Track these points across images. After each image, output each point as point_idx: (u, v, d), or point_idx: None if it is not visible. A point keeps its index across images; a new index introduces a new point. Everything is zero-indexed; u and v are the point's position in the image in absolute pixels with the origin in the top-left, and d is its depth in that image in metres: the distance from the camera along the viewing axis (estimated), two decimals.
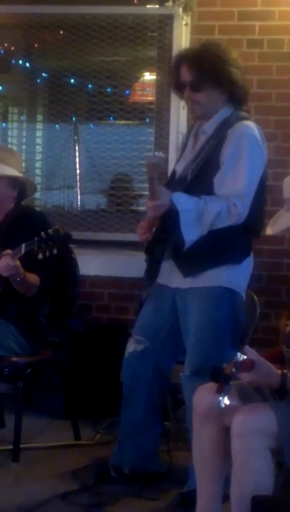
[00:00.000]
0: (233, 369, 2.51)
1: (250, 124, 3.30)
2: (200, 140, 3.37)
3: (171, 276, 3.37)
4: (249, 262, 3.39)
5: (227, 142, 3.23)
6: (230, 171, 3.20)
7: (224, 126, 3.29)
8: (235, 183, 3.19)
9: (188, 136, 3.52)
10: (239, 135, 3.24)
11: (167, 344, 3.46)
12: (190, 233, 3.15)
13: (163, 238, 3.30)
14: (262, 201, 3.34)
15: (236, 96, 3.34)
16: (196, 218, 3.14)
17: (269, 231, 2.96)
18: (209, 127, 3.33)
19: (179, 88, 3.36)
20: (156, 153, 3.21)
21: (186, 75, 3.29)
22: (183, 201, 3.14)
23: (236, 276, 3.32)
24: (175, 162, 3.57)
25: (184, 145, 3.51)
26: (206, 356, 3.22)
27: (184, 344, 3.38)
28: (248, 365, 2.55)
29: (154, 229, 3.36)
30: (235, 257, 3.31)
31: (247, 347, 2.58)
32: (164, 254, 3.36)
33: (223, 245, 3.21)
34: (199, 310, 3.29)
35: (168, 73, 3.39)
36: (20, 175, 3.98)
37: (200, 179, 3.22)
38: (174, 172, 3.50)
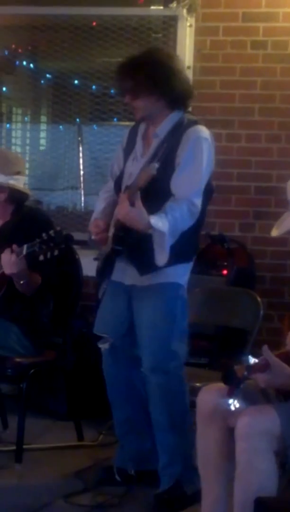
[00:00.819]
0: (245, 373, 2.50)
1: (203, 129, 3.39)
2: (152, 143, 3.42)
3: (125, 273, 3.42)
4: (191, 263, 3.50)
5: (182, 145, 3.30)
6: (186, 172, 3.28)
7: (177, 130, 3.36)
8: (192, 183, 3.29)
9: (133, 137, 3.53)
10: (194, 138, 3.32)
11: (129, 337, 3.49)
12: (164, 256, 3.22)
13: (121, 240, 3.31)
14: (207, 203, 3.43)
15: (176, 101, 3.39)
16: (169, 239, 3.20)
17: (275, 232, 2.96)
18: (161, 130, 3.39)
19: (123, 95, 3.45)
20: (155, 164, 3.21)
21: (125, 83, 3.38)
22: (160, 225, 3.17)
23: (186, 272, 3.45)
24: (121, 156, 3.57)
25: (130, 145, 3.52)
26: (164, 350, 3.33)
27: (139, 339, 3.42)
28: (260, 368, 2.54)
29: (112, 230, 3.37)
30: (188, 255, 3.43)
31: (265, 347, 2.57)
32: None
33: (179, 245, 3.27)
34: (154, 305, 3.36)
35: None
36: (9, 181, 3.90)
37: (157, 182, 3.25)
38: (122, 173, 3.51)
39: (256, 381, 2.60)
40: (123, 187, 3.45)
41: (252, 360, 2.53)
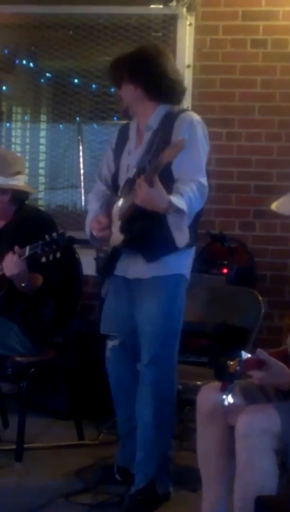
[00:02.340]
0: (237, 368, 2.50)
1: (194, 114, 3.45)
2: (145, 135, 3.44)
3: (128, 268, 3.42)
4: (193, 250, 3.49)
5: (177, 129, 3.33)
6: (187, 154, 3.26)
7: (168, 118, 3.39)
8: (195, 164, 3.31)
9: (123, 136, 3.56)
10: (188, 121, 3.36)
11: (135, 335, 3.48)
12: (185, 236, 3.25)
13: (129, 230, 3.32)
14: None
15: (155, 90, 3.40)
16: (188, 220, 3.22)
17: (275, 206, 2.94)
18: (153, 121, 3.42)
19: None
20: (184, 137, 3.22)
21: (109, 73, 3.51)
22: (181, 203, 3.16)
23: (189, 261, 3.45)
24: (111, 158, 3.58)
25: (121, 143, 3.54)
26: (164, 344, 3.36)
27: (139, 334, 3.42)
28: (253, 364, 2.54)
29: (117, 223, 3.36)
30: (189, 241, 3.39)
31: (259, 350, 2.57)
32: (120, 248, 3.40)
33: None
34: (154, 301, 3.36)
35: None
36: (10, 182, 3.90)
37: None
38: (117, 169, 3.52)
39: (253, 378, 2.60)
40: (121, 182, 3.45)
41: (246, 355, 2.53)
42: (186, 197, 3.19)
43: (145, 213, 3.20)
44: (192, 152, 3.30)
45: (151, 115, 3.42)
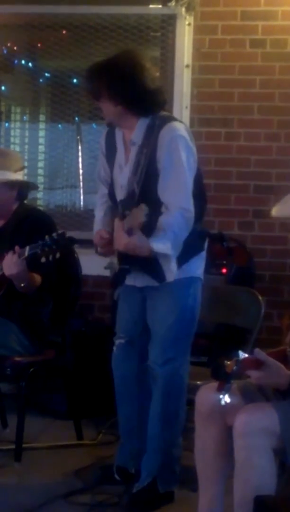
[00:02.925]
0: (234, 367, 2.50)
1: (177, 125, 3.35)
2: (132, 151, 3.39)
3: (136, 278, 3.43)
4: (205, 249, 3.50)
5: (160, 148, 3.28)
6: (170, 179, 3.26)
7: (152, 132, 3.31)
8: (178, 190, 3.26)
9: (111, 141, 3.51)
10: (169, 139, 3.27)
11: (146, 335, 3.49)
12: (172, 272, 3.27)
13: (126, 259, 3.31)
14: (201, 196, 3.41)
15: (136, 106, 3.32)
16: (174, 255, 3.23)
17: (275, 212, 2.95)
18: (136, 136, 3.36)
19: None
20: (143, 206, 3.17)
21: (87, 82, 3.40)
22: (163, 247, 3.18)
23: (200, 263, 3.47)
24: (106, 167, 3.55)
25: (110, 150, 3.51)
26: (177, 345, 3.38)
27: (151, 335, 3.44)
28: (251, 364, 2.54)
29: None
30: (198, 247, 3.43)
31: (257, 350, 2.57)
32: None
33: (186, 244, 3.28)
34: (166, 303, 3.37)
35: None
36: (12, 178, 3.91)
37: (145, 190, 3.27)
38: (112, 180, 3.50)
39: (250, 378, 2.60)
40: (118, 197, 3.42)
41: (243, 355, 2.53)
42: (170, 234, 3.19)
43: None
44: (174, 175, 3.26)
45: (135, 129, 3.36)
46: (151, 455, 3.43)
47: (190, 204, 3.27)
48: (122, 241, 3.17)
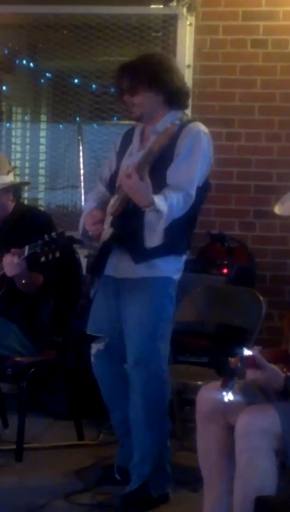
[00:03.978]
0: (239, 364, 2.51)
1: (202, 125, 3.44)
2: (151, 139, 3.42)
3: (117, 267, 3.41)
4: (184, 257, 3.49)
5: (182, 138, 3.33)
6: (184, 163, 3.31)
7: (177, 125, 3.37)
8: (188, 174, 3.31)
9: (127, 140, 3.55)
10: (195, 132, 3.36)
11: (122, 336, 3.46)
12: (156, 237, 3.23)
13: (120, 226, 3.33)
14: (203, 198, 3.45)
15: (173, 99, 3.43)
16: (163, 223, 3.21)
17: (277, 209, 2.96)
18: (161, 126, 3.40)
19: (121, 96, 3.47)
20: (177, 122, 3.22)
21: (123, 81, 3.42)
22: (162, 205, 3.18)
23: (178, 267, 3.44)
24: (114, 160, 3.57)
25: (124, 146, 3.54)
26: (151, 346, 3.34)
27: (125, 334, 3.41)
28: (252, 362, 2.55)
29: (109, 219, 3.36)
30: (180, 249, 3.42)
31: (258, 357, 2.58)
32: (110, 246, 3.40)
33: (172, 236, 3.27)
34: (141, 300, 3.35)
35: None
36: (7, 181, 3.90)
37: (154, 172, 3.25)
38: (116, 171, 3.51)
39: (247, 376, 2.61)
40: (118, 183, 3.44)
41: (247, 352, 2.54)
42: (169, 202, 3.20)
43: (137, 211, 3.21)
44: (189, 161, 3.31)
45: (160, 120, 3.41)
46: (141, 460, 3.39)
47: (194, 191, 3.31)
48: (132, 181, 3.14)
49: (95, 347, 3.54)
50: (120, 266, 3.39)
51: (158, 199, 3.17)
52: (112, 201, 3.39)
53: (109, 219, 3.37)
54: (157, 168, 3.26)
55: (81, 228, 3.49)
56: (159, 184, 3.26)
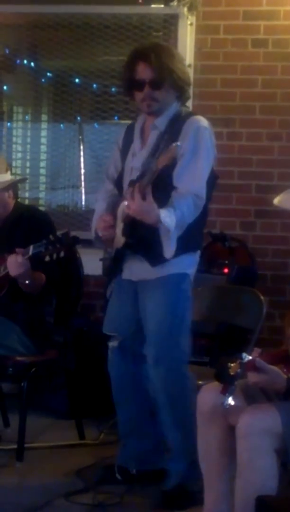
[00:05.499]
0: (238, 370, 2.51)
1: (201, 118, 3.43)
2: (151, 135, 3.42)
3: (132, 270, 3.42)
4: (198, 252, 3.50)
5: (183, 136, 3.31)
6: (189, 164, 3.30)
7: (176, 122, 3.38)
8: (195, 176, 3.30)
9: (129, 136, 3.54)
10: (195, 128, 3.34)
11: (138, 334, 3.48)
12: (170, 249, 3.24)
13: (131, 233, 3.32)
14: (211, 191, 3.44)
15: (185, 94, 3.46)
16: (175, 234, 3.23)
17: (276, 201, 2.96)
18: (160, 123, 3.40)
19: (133, 85, 3.40)
20: (178, 143, 3.19)
21: (146, 73, 3.34)
22: (168, 220, 3.18)
23: (193, 262, 3.45)
24: (118, 157, 3.56)
25: (127, 144, 3.53)
26: (170, 343, 3.34)
27: (145, 333, 3.43)
28: (254, 366, 2.55)
29: (121, 225, 3.36)
30: (195, 245, 3.43)
31: (258, 360, 2.58)
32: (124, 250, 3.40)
33: (187, 234, 3.29)
34: (157, 298, 3.36)
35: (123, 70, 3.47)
36: (7, 179, 3.94)
37: (161, 173, 3.22)
38: (122, 171, 3.51)
39: (249, 379, 2.61)
40: (125, 183, 3.44)
41: (247, 358, 2.54)
42: (178, 212, 3.21)
43: None
44: (194, 162, 3.30)
45: (163, 113, 3.40)
46: (175, 460, 3.41)
47: (203, 193, 3.30)
48: (135, 204, 3.16)
49: (110, 344, 3.57)
50: (136, 269, 3.40)
51: (164, 215, 3.17)
52: (121, 205, 3.37)
53: (120, 225, 3.36)
54: (164, 169, 3.21)
55: (94, 232, 3.50)
56: (167, 186, 3.26)
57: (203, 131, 3.35)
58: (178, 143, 3.17)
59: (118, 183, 3.53)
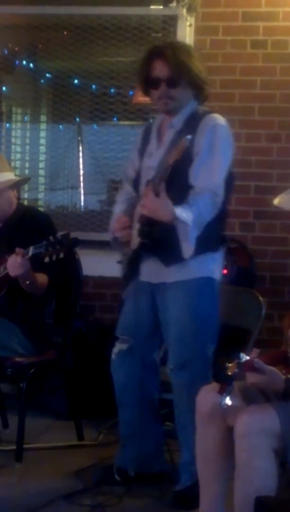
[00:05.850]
0: (236, 370, 2.51)
1: (219, 116, 3.39)
2: (167, 134, 3.40)
3: (152, 273, 3.38)
4: (222, 252, 3.46)
5: (200, 134, 3.28)
6: (206, 162, 3.26)
7: (193, 120, 3.34)
8: (212, 173, 3.26)
9: (147, 137, 3.52)
10: (212, 126, 3.31)
11: (151, 339, 3.47)
12: (189, 248, 3.20)
13: (147, 234, 3.28)
14: (230, 190, 3.40)
15: (203, 93, 3.42)
16: (194, 231, 3.19)
17: (276, 201, 2.97)
18: (177, 121, 3.37)
19: (149, 83, 3.37)
20: (188, 136, 3.16)
21: (162, 71, 3.31)
22: (185, 216, 3.15)
23: (215, 263, 3.39)
24: (136, 158, 3.54)
25: (144, 145, 3.51)
26: (191, 348, 3.29)
27: (165, 339, 3.41)
28: (252, 367, 2.55)
29: (138, 225, 3.32)
30: (214, 245, 3.37)
31: (256, 360, 2.58)
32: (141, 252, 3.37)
33: (204, 233, 3.24)
34: (181, 303, 3.31)
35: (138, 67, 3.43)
36: (13, 177, 3.95)
37: (177, 171, 3.22)
38: (139, 171, 3.49)
39: (247, 380, 2.61)
40: (142, 184, 3.41)
41: (244, 358, 2.54)
42: (195, 208, 3.17)
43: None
44: (211, 159, 3.26)
45: (179, 113, 3.37)
46: (192, 461, 3.30)
47: (220, 190, 3.26)
48: (149, 202, 3.14)
49: (118, 347, 3.52)
50: (154, 271, 3.36)
51: (180, 211, 3.13)
52: (138, 207, 3.35)
53: (136, 225, 3.33)
54: (180, 167, 3.21)
55: (112, 233, 3.47)
56: (183, 184, 3.23)
57: (219, 128, 3.31)
58: (188, 136, 3.14)
59: (135, 184, 3.51)
